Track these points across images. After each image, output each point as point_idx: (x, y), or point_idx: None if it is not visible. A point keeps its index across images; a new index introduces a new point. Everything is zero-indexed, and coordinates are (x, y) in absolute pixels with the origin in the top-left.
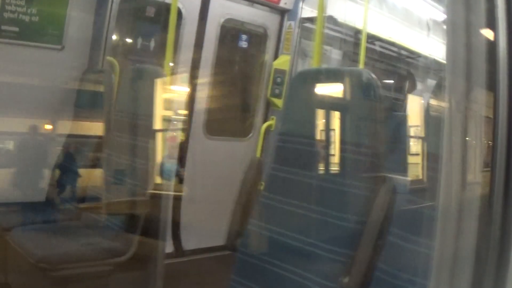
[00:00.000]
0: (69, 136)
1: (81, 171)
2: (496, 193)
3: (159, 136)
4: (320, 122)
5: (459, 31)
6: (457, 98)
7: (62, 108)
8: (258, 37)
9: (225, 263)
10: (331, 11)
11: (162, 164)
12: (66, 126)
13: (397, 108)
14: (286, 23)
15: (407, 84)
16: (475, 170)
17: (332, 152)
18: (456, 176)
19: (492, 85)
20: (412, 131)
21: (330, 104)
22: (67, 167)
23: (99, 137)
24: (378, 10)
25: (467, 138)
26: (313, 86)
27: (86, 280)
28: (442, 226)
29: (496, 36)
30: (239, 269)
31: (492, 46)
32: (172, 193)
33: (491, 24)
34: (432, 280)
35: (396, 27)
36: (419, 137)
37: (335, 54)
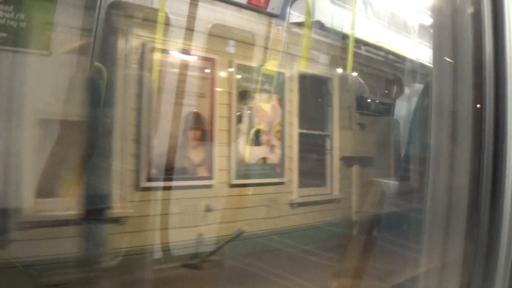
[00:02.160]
0: None
1: None
2: (483, 196)
3: None
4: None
5: (445, 35)
6: (444, 102)
7: None
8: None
9: (212, 269)
10: (318, 16)
11: None
12: None
13: (385, 113)
14: (274, 28)
15: (395, 89)
16: (462, 174)
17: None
18: (443, 179)
19: (479, 89)
20: None
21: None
22: None
23: None
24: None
25: (454, 141)
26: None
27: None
28: (430, 229)
29: (482, 40)
30: (226, 274)
31: (478, 50)
32: None
33: (478, 28)
34: (420, 283)
35: (384, 32)
36: None
37: (322, 59)
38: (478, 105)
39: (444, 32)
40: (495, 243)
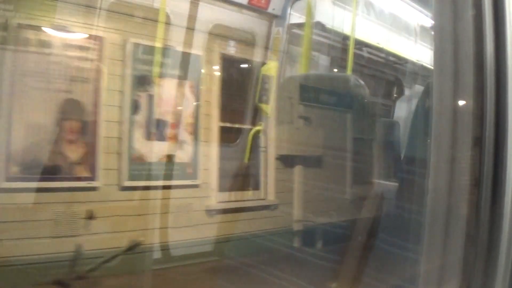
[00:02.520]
0: None
1: None
2: (483, 197)
3: None
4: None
5: (446, 37)
6: (444, 104)
7: None
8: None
9: (212, 269)
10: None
11: None
12: None
13: (385, 114)
14: (274, 29)
15: (394, 90)
16: (462, 175)
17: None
18: (443, 180)
19: (479, 91)
20: None
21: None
22: None
23: None
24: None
25: (454, 143)
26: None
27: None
28: (430, 231)
29: (483, 42)
30: (226, 275)
31: (479, 52)
32: None
33: (479, 30)
34: (420, 283)
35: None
36: None
37: (323, 60)
38: (478, 107)
39: (445, 34)
40: (496, 244)
